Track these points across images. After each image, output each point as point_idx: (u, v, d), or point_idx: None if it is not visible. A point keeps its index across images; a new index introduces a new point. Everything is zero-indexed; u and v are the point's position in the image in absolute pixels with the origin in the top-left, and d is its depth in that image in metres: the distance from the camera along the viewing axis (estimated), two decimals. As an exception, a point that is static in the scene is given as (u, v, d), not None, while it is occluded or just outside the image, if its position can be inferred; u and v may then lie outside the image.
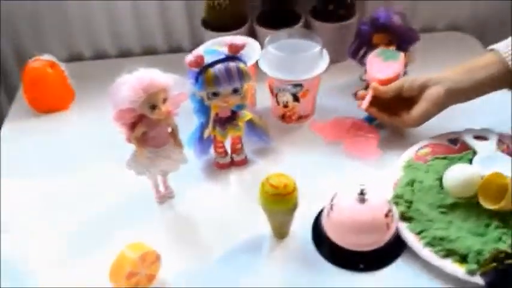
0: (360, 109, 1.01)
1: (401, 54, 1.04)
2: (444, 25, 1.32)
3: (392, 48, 1.06)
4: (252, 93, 1.06)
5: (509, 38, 0.95)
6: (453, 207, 0.86)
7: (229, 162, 1.01)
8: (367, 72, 1.05)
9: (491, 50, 0.97)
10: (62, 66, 1.18)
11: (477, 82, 0.95)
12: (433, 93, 0.96)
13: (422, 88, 0.97)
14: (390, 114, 1.01)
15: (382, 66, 1.03)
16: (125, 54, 1.33)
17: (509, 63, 0.93)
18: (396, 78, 1.01)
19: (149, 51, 1.33)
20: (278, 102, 1.06)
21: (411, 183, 0.91)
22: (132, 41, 1.31)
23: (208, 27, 1.19)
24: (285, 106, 1.06)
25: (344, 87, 1.13)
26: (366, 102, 1.00)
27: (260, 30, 1.19)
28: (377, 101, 1.01)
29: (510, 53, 0.93)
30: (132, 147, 0.87)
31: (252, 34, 1.19)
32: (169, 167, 0.92)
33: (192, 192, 0.97)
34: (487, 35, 1.28)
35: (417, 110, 0.97)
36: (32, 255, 0.89)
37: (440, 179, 0.90)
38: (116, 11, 1.26)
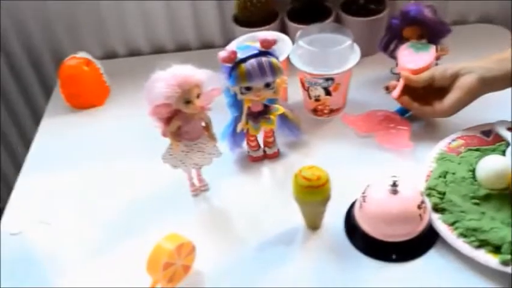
0: (392, 98, 1.01)
1: (433, 46, 1.04)
2: (476, 18, 1.31)
3: (423, 41, 1.06)
4: (284, 88, 1.07)
5: None
6: (486, 198, 0.86)
7: (262, 156, 1.02)
8: (398, 64, 1.05)
9: None
10: (98, 63, 1.20)
11: (508, 72, 0.93)
12: (465, 81, 0.95)
13: (455, 77, 0.96)
14: (422, 104, 1.00)
15: (414, 57, 1.03)
16: (158, 51, 1.34)
17: None
18: (427, 68, 1.01)
19: (182, 48, 1.34)
20: (310, 96, 1.07)
21: (444, 174, 0.90)
22: (165, 37, 1.32)
23: (240, 23, 1.20)
24: (317, 100, 1.06)
25: (375, 81, 1.12)
26: (397, 91, 1.00)
27: (291, 25, 1.19)
28: (409, 91, 1.00)
29: None
30: (167, 141, 0.88)
31: (283, 29, 1.19)
32: (203, 161, 0.93)
33: (226, 185, 0.98)
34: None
35: (449, 99, 0.96)
36: (70, 246, 0.91)
37: (473, 171, 0.89)
38: (149, 9, 1.27)
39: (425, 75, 0.99)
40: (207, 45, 1.32)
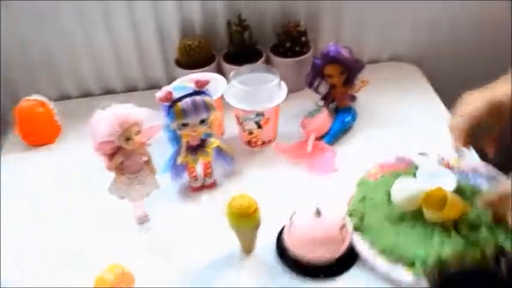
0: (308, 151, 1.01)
1: (324, 108, 1.07)
2: (388, 56, 1.31)
3: (342, 77, 1.06)
4: (219, 123, 1.04)
5: None
6: (401, 218, 0.83)
7: (201, 185, 0.98)
8: (304, 132, 1.05)
9: None
10: (51, 104, 1.14)
11: None
12: None
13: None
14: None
15: (311, 121, 1.05)
16: (108, 91, 1.29)
17: None
18: (325, 123, 1.04)
19: (130, 89, 1.29)
20: (244, 130, 1.04)
21: (363, 198, 0.88)
22: (114, 79, 1.27)
23: (181, 65, 1.17)
24: (250, 133, 1.03)
25: (303, 114, 1.08)
26: (310, 146, 1.01)
27: (226, 66, 1.17)
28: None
29: None
30: (112, 174, 0.85)
31: (220, 70, 1.17)
32: (144, 191, 0.89)
33: (169, 214, 0.93)
34: (424, 63, 1.28)
35: None
36: (16, 276, 0.85)
37: (389, 194, 0.86)
38: (100, 54, 1.22)
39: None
40: (153, 86, 1.28)
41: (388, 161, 0.95)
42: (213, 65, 1.17)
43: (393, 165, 0.94)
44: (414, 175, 0.89)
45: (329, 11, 1.21)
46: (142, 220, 0.92)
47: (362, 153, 1.02)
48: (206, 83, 0.87)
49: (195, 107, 0.85)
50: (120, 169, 0.84)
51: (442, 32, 1.27)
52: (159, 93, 0.85)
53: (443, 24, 1.26)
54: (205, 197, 0.97)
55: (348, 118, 1.08)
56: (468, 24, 1.25)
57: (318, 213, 0.78)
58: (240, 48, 1.17)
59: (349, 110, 1.09)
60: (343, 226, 0.80)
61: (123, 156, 0.83)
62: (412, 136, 1.04)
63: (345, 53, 1.03)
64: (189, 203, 0.95)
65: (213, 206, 0.94)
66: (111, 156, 0.83)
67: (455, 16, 1.24)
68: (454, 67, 1.30)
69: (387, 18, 1.24)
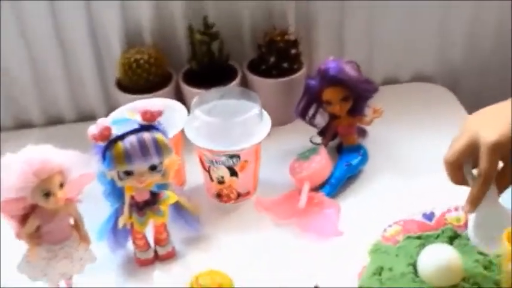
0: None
1: (321, 146, 1.09)
2: (409, 75, 1.34)
3: (347, 104, 1.07)
4: (178, 169, 1.02)
5: None
6: (432, 298, 0.83)
7: (152, 257, 0.98)
8: (295, 180, 1.06)
9: None
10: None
11: None
12: None
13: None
14: None
15: (305, 165, 1.06)
16: (23, 125, 1.28)
17: None
18: (323, 168, 1.05)
19: (54, 121, 1.29)
20: (212, 178, 1.05)
21: (379, 271, 0.87)
22: (31, 108, 1.27)
23: (124, 88, 1.18)
24: (220, 182, 1.04)
25: (292, 155, 1.10)
26: (304, 200, 1.02)
27: (187, 89, 1.18)
28: None
29: None
30: (24, 245, 0.84)
31: (178, 95, 1.18)
32: (72, 269, 0.88)
33: (106, 300, 0.92)
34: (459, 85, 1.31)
35: None
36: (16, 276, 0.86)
37: (414, 264, 0.86)
38: (9, 71, 1.23)
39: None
40: (85, 117, 1.29)
41: (413, 219, 0.95)
42: (169, 88, 1.19)
43: (419, 224, 0.94)
44: (450, 240, 0.89)
45: (328, 14, 1.23)
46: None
47: (375, 208, 1.02)
48: (158, 114, 0.86)
49: (143, 149, 0.84)
50: (35, 237, 0.83)
51: (481, 45, 1.30)
52: (93, 129, 0.84)
53: (483, 36, 1.29)
54: (158, 273, 0.96)
55: (356, 161, 1.09)
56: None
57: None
58: (206, 65, 1.19)
59: (358, 150, 1.10)
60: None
61: (41, 219, 0.82)
62: (444, 185, 1.03)
63: (349, 70, 1.04)
64: (136, 283, 0.95)
65: (170, 285, 0.93)
66: (24, 219, 0.82)
67: (499, 24, 1.28)
68: (496, 90, 1.31)
69: (408, 24, 1.26)
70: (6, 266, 0.89)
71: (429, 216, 0.95)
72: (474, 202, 0.81)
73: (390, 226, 0.94)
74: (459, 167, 0.83)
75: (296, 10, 1.22)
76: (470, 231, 0.82)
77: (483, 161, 0.77)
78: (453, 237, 0.90)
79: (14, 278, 0.86)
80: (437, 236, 0.91)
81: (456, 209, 0.94)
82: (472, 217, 0.82)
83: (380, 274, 0.87)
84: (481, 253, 0.85)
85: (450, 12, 1.26)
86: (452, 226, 0.92)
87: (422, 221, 0.94)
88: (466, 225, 0.86)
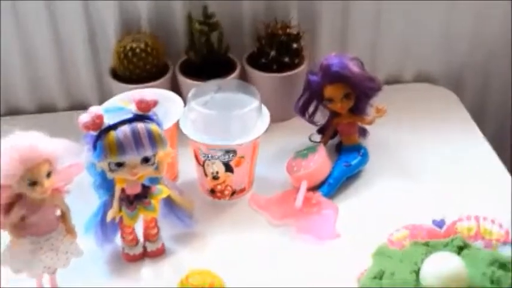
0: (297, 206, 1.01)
1: (320, 144, 1.09)
2: (412, 75, 1.34)
3: (349, 102, 1.06)
4: (172, 162, 1.03)
5: None
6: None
7: (141, 253, 0.97)
8: (292, 179, 1.06)
9: None
10: None
11: None
12: None
13: None
14: None
15: (303, 164, 1.06)
16: (15, 111, 1.28)
17: None
18: (321, 168, 1.05)
19: (44, 109, 1.29)
20: (206, 173, 1.04)
21: (380, 275, 0.86)
22: (22, 95, 1.27)
23: (119, 78, 1.17)
24: (215, 178, 1.04)
25: (290, 152, 1.10)
26: (300, 200, 1.01)
27: (184, 81, 1.17)
28: None
29: None
30: (6, 236, 0.84)
31: (175, 86, 1.18)
32: (57, 262, 0.87)
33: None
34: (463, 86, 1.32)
35: None
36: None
37: (418, 273, 0.84)
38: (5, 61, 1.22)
39: None
40: (77, 106, 1.28)
41: (422, 225, 0.93)
42: (166, 79, 1.18)
43: (429, 230, 0.92)
44: (458, 249, 0.86)
45: (332, 7, 1.22)
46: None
47: (374, 211, 1.02)
48: (154, 104, 0.85)
49: (136, 139, 0.83)
50: (20, 228, 0.83)
51: (485, 47, 1.30)
52: (84, 117, 0.83)
53: (486, 37, 1.29)
54: (147, 270, 0.95)
55: (355, 161, 1.08)
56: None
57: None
58: (205, 56, 1.19)
59: (358, 150, 1.09)
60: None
61: (26, 208, 0.81)
62: (446, 188, 1.03)
63: (353, 67, 1.04)
64: (123, 280, 0.94)
65: (159, 283, 0.93)
66: (8, 208, 0.81)
67: (503, 26, 1.28)
68: (499, 92, 1.34)
69: (412, 24, 1.26)
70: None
71: (440, 224, 0.93)
72: None
73: (398, 230, 0.92)
74: None
75: (299, 3, 1.21)
76: None
77: None
78: (462, 247, 0.87)
79: (13, 277, 0.86)
80: (446, 245, 0.88)
81: (468, 218, 0.92)
82: None
83: (381, 278, 0.85)
84: (490, 266, 0.83)
85: (454, 14, 1.26)
86: (462, 236, 0.90)
87: (432, 228, 0.93)
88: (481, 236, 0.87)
